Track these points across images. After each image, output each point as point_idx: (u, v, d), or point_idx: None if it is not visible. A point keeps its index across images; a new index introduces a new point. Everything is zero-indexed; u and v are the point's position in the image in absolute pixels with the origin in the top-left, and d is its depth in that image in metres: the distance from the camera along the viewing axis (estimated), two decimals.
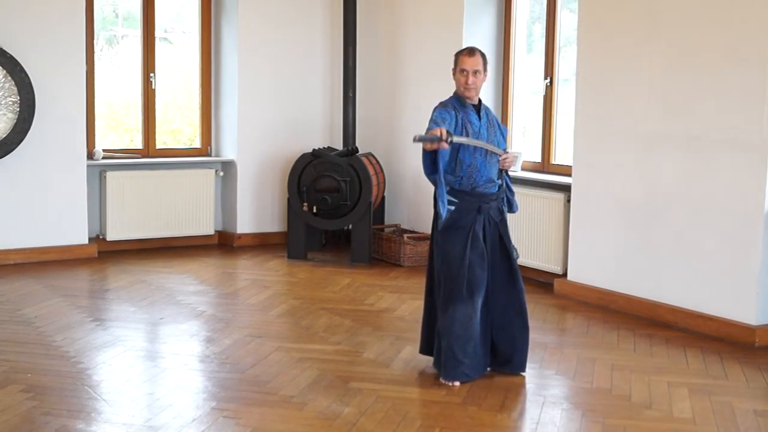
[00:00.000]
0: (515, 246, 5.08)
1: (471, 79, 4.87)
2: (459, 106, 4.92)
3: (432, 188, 4.97)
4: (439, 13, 8.06)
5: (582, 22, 6.74)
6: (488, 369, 5.03)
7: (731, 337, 5.75)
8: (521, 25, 7.92)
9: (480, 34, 7.79)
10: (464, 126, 4.86)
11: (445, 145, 4.56)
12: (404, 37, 8.52)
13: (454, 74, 4.96)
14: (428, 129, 4.76)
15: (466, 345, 4.82)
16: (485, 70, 4.96)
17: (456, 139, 4.65)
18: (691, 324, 5.98)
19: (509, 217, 5.14)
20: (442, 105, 4.94)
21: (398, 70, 8.60)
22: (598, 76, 6.62)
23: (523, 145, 7.86)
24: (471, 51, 4.93)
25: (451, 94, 5.01)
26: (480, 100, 5.03)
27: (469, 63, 4.88)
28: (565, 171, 7.20)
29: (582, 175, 6.78)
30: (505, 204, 5.07)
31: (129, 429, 4.14)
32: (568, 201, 6.94)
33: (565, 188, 7.02)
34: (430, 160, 4.78)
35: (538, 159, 7.60)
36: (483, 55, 4.95)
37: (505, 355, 5.02)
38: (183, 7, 9.07)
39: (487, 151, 4.87)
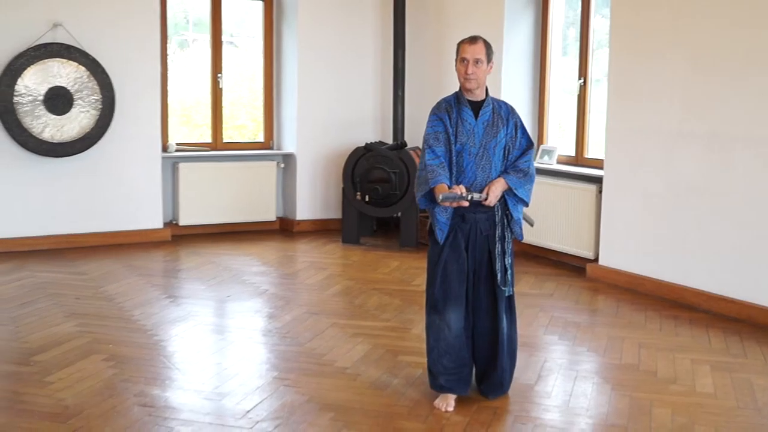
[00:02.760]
0: (510, 280, 4.19)
1: (471, 68, 4.04)
2: (454, 103, 4.17)
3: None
4: (481, 19, 8.03)
5: (614, 26, 6.68)
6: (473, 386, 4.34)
7: (751, 318, 5.70)
8: (557, 29, 7.87)
9: (519, 38, 7.77)
10: (457, 126, 4.11)
11: (465, 203, 3.94)
12: (449, 41, 8.50)
13: (456, 65, 4.16)
14: (424, 141, 4.16)
15: (440, 358, 4.14)
16: (489, 60, 4.11)
17: (476, 196, 4.00)
18: (714, 306, 5.94)
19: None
20: (436, 108, 4.20)
21: (443, 71, 8.59)
22: (628, 77, 6.56)
23: (558, 139, 7.84)
24: (473, 38, 4.09)
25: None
26: (487, 96, 4.18)
27: (470, 51, 4.05)
28: (597, 164, 7.17)
29: (612, 168, 6.74)
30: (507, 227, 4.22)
31: (199, 395, 4.21)
32: (600, 192, 6.91)
33: (597, 180, 6.99)
34: (428, 199, 4.10)
35: (572, 153, 7.57)
36: (487, 44, 4.11)
37: (478, 375, 4.33)
38: (247, 14, 9.14)
39: (480, 153, 4.09)
